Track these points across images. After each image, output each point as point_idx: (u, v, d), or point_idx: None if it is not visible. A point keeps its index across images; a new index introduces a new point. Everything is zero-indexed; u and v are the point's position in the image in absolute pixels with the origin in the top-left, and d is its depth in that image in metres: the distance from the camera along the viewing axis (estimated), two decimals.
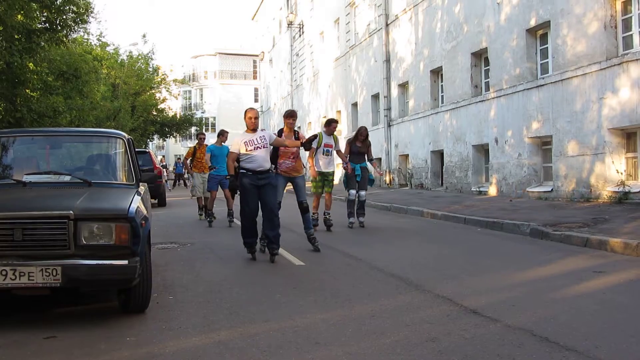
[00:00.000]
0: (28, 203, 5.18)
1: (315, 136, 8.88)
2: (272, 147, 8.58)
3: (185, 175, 33.93)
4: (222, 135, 13.97)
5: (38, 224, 4.70)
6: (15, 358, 4.25)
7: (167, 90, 47.54)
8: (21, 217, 4.71)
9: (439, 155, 21.65)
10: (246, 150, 8.07)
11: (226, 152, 12.12)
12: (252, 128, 8.22)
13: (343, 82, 31.57)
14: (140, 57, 43.40)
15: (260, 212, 8.31)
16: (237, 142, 8.21)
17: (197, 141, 15.18)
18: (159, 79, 46.40)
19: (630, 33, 13.00)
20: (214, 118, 64.39)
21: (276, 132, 9.57)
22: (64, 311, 5.60)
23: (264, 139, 8.25)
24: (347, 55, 30.72)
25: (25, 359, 4.23)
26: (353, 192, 11.98)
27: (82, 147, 7.12)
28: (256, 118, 8.26)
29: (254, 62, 64.90)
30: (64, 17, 15.72)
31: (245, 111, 8.34)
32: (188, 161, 15.29)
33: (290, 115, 9.41)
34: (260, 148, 8.11)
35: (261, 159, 8.12)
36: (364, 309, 5.41)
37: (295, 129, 9.89)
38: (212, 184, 13.44)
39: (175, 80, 49.59)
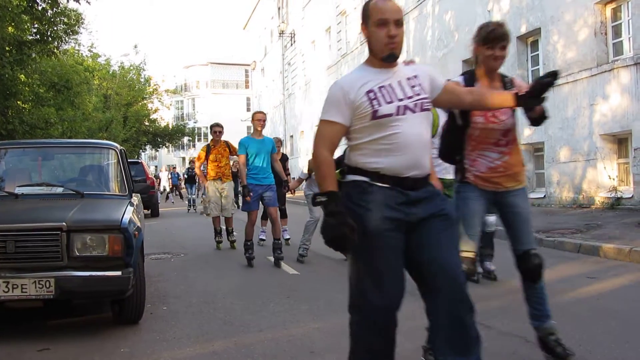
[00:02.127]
0: (21, 215, 5.17)
1: (553, 75, 3.44)
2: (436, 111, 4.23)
3: (182, 185, 31.44)
4: (259, 119, 8.72)
5: (31, 236, 4.68)
6: None
7: (159, 101, 47.48)
8: (14, 229, 4.69)
9: None
10: (374, 115, 3.04)
11: (271, 147, 8.80)
12: (389, 54, 3.11)
13: None
14: (132, 68, 43.34)
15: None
16: (344, 92, 3.08)
17: (211, 138, 10.91)
18: (151, 90, 46.34)
19: (620, 39, 13.10)
20: (207, 128, 64.10)
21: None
22: (57, 323, 5.58)
23: (418, 83, 3.18)
24: (339, 64, 30.79)
25: None
26: None
27: (74, 159, 7.12)
28: (398, 22, 3.15)
29: (246, 71, 64.98)
30: (55, 28, 15.72)
31: (368, 4, 3.19)
32: (199, 167, 11.32)
33: (497, 37, 4.00)
34: (411, 110, 3.08)
35: (416, 142, 3.07)
36: None
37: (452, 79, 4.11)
38: (251, 202, 8.50)
39: (167, 91, 49.53)
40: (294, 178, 10.90)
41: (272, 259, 8.71)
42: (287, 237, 10.99)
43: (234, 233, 10.73)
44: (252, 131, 9.03)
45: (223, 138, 10.74)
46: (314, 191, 8.37)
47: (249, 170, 8.55)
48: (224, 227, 10.78)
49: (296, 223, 11.34)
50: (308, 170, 9.09)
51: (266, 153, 8.64)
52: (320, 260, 8.75)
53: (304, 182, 9.61)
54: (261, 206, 8.87)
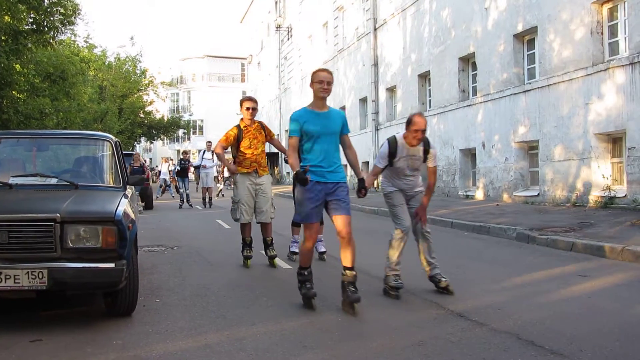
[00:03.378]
0: (14, 205, 5.16)
1: None
2: None
3: (167, 182, 28.64)
4: (322, 80, 5.57)
5: (24, 227, 4.67)
6: None
7: (155, 93, 47.40)
8: (7, 220, 4.68)
9: None
10: None
11: (341, 124, 5.71)
12: None
13: None
14: (128, 60, 43.25)
15: None
16: None
17: (240, 118, 8.08)
18: (147, 82, 46.24)
19: (616, 39, 13.12)
20: (202, 121, 64.32)
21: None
22: (50, 314, 5.57)
23: None
24: (336, 59, 30.76)
25: None
26: None
27: (69, 150, 7.09)
28: None
29: (242, 65, 64.92)
30: (52, 18, 15.65)
31: None
32: (222, 149, 8.00)
33: None
34: None
35: None
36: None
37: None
38: (310, 208, 5.52)
39: (163, 83, 49.43)
40: None
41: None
42: (323, 249, 8.47)
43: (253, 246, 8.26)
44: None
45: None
46: (399, 186, 6.33)
47: (305, 162, 5.57)
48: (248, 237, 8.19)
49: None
50: (389, 154, 6.20)
51: (333, 134, 5.66)
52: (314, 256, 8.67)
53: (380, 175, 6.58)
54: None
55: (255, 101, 8.08)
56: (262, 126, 8.14)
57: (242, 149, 7.90)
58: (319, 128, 5.54)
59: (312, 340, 4.57)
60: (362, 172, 5.91)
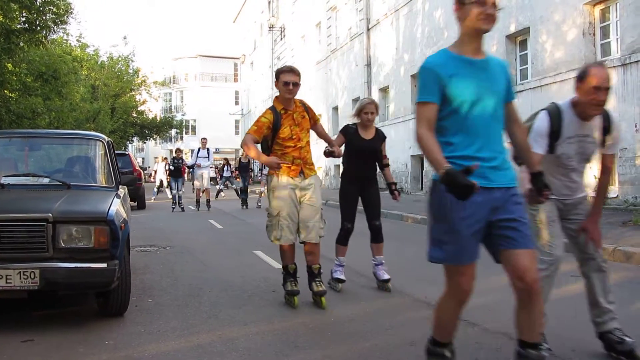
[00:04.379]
0: (6, 205, 5.14)
1: None
2: None
3: (165, 183, 26.30)
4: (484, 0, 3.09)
5: (16, 227, 4.66)
6: None
7: (148, 93, 47.32)
8: None
9: (419, 159, 21.76)
10: None
11: (506, 85, 3.34)
12: None
13: (324, 86, 31.60)
14: (120, 59, 43.18)
15: None
16: None
17: (275, 96, 5.92)
18: (140, 81, 46.16)
19: (608, 40, 13.19)
20: (194, 120, 64.12)
21: None
22: (42, 314, 5.55)
23: None
24: (329, 59, 30.77)
25: None
26: None
27: (61, 149, 7.08)
28: None
29: (235, 64, 64.86)
30: (44, 17, 15.63)
31: None
32: (252, 142, 5.51)
33: None
34: None
35: None
36: (344, 312, 5.43)
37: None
38: (462, 237, 3.10)
39: (155, 82, 49.36)
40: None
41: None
42: (387, 277, 6.41)
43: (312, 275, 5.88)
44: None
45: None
46: (555, 191, 3.91)
47: (449, 148, 3.12)
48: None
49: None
50: (550, 133, 3.99)
51: (497, 99, 3.26)
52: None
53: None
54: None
55: (298, 74, 5.65)
56: (306, 108, 5.82)
57: (280, 140, 5.60)
58: (475, 87, 3.09)
59: (305, 340, 4.57)
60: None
